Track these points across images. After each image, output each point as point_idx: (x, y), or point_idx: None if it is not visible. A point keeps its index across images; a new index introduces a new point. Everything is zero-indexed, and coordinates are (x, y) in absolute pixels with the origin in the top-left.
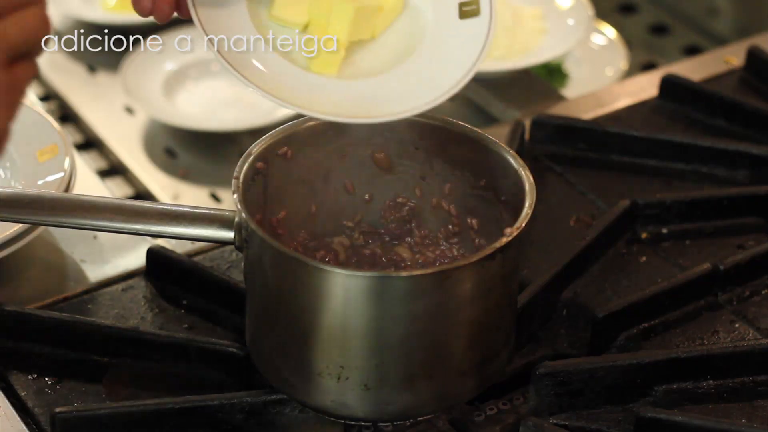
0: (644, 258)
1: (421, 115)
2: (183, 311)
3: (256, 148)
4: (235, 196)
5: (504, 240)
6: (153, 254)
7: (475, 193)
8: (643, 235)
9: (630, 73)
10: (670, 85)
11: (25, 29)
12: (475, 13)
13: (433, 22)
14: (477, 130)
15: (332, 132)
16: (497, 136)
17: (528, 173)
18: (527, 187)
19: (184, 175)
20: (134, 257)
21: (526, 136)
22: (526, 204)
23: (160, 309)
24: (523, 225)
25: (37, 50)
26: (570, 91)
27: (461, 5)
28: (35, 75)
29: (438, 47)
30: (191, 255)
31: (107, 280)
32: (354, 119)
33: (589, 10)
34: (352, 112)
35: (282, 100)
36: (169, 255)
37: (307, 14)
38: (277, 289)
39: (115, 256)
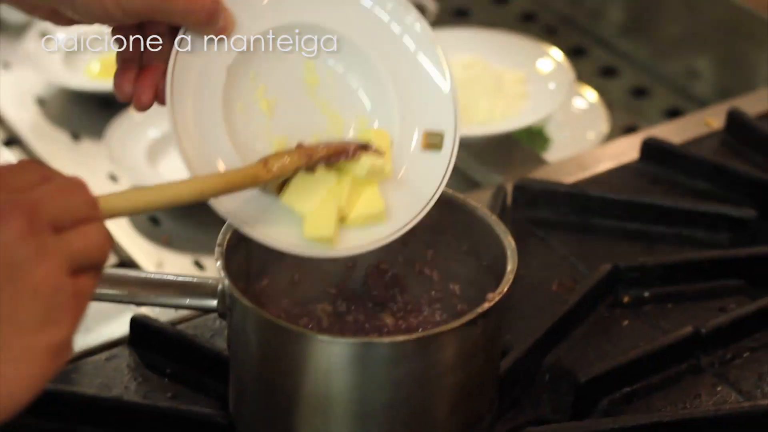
0: (626, 322)
1: None
2: (167, 380)
3: None
4: (218, 263)
5: (486, 305)
6: (136, 323)
7: (458, 258)
8: (625, 299)
9: (612, 135)
10: (651, 148)
11: (88, 243)
12: (437, 147)
13: (396, 148)
14: (459, 194)
15: None
16: (479, 201)
17: (510, 238)
18: (509, 252)
19: (168, 242)
20: (118, 326)
21: (508, 200)
22: (508, 269)
23: (144, 378)
24: (505, 290)
25: (99, 264)
26: (552, 154)
27: (426, 135)
28: (96, 288)
29: (397, 176)
30: (175, 323)
31: (91, 349)
32: (310, 253)
33: (570, 74)
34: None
35: (244, 226)
36: (152, 323)
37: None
38: (260, 356)
39: (98, 325)
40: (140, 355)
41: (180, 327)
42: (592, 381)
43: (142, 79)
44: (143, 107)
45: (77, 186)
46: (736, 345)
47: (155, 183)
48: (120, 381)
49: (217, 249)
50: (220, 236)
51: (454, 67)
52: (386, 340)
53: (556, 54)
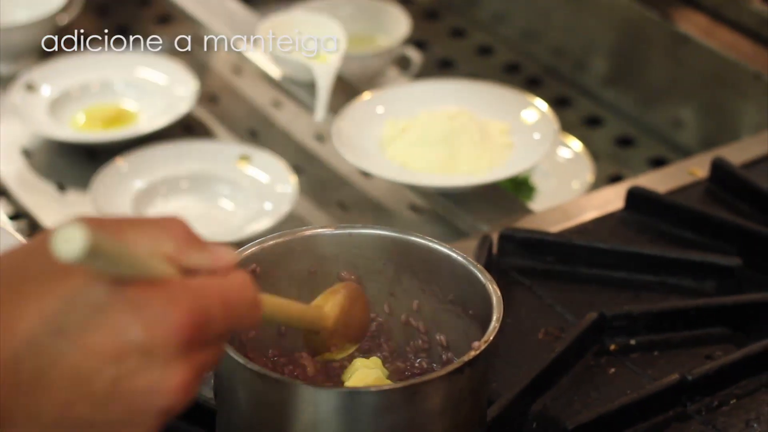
0: (613, 370)
1: (389, 230)
2: None
3: None
4: None
5: (472, 354)
6: None
7: (444, 308)
8: (612, 347)
9: (596, 185)
10: (635, 197)
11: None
12: None
13: None
14: (444, 244)
15: (300, 249)
16: (465, 250)
17: (495, 287)
18: (495, 301)
19: None
20: None
21: (494, 249)
22: (494, 318)
23: None
24: (491, 339)
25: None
26: (537, 204)
27: None
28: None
29: None
30: None
31: None
32: None
33: (554, 125)
34: None
35: None
36: None
37: None
38: (247, 406)
39: None
40: None
41: None
42: (579, 429)
43: None
44: None
45: (246, 287)
46: (722, 392)
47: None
48: None
49: None
50: None
51: (440, 117)
52: (373, 388)
53: (541, 104)
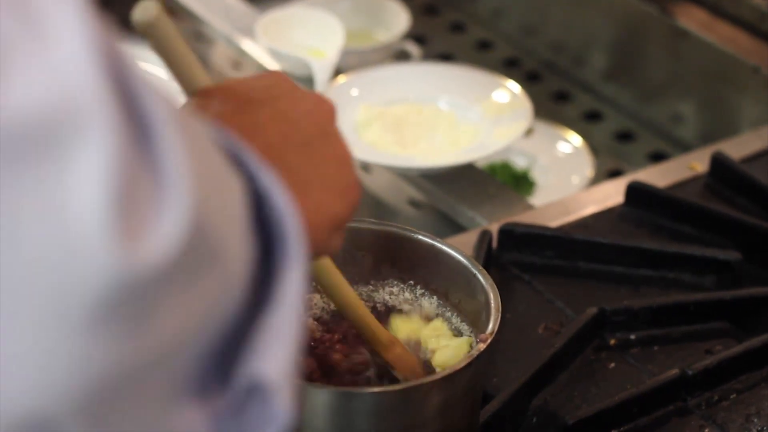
0: (613, 364)
1: (369, 222)
2: None
3: None
4: None
5: (474, 352)
6: None
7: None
8: (612, 342)
9: (596, 179)
10: (635, 192)
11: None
12: None
13: None
14: (436, 238)
15: None
16: (464, 245)
17: (491, 282)
18: (492, 296)
19: None
20: None
21: (494, 244)
22: (493, 312)
23: None
24: (493, 337)
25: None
26: (537, 198)
27: None
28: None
29: None
30: None
31: None
32: None
33: (528, 104)
34: None
35: None
36: None
37: None
38: None
39: None
40: None
41: None
42: (579, 423)
43: None
44: None
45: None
46: (722, 387)
47: None
48: None
49: None
50: None
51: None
52: (368, 389)
53: (513, 86)
